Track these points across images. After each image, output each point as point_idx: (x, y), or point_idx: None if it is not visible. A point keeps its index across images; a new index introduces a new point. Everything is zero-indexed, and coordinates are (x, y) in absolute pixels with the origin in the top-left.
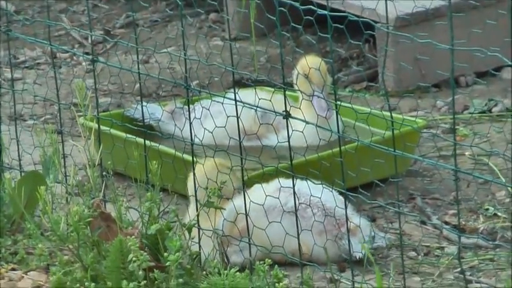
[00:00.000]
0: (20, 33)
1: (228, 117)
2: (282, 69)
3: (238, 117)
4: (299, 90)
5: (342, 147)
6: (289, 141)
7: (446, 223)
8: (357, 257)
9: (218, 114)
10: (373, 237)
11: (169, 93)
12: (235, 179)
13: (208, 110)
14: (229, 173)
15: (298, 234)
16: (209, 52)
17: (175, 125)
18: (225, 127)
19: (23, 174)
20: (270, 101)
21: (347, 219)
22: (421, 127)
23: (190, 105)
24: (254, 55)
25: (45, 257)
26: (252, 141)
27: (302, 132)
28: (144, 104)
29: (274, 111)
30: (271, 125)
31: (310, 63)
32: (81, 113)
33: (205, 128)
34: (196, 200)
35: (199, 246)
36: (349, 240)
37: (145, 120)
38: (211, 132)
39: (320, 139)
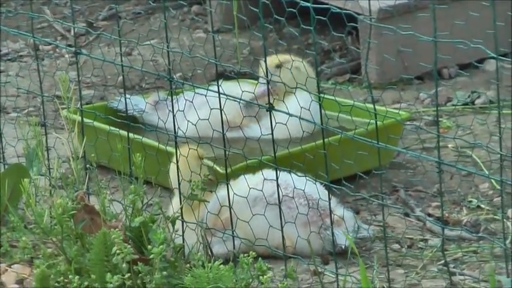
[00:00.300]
0: (2, 26)
1: (211, 109)
2: (264, 61)
3: (221, 110)
4: (282, 82)
5: (326, 140)
6: (272, 134)
7: (430, 215)
8: (342, 248)
9: (201, 106)
10: (357, 229)
11: (153, 86)
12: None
13: (192, 102)
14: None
15: (282, 227)
16: (192, 44)
17: (159, 117)
18: (208, 119)
19: (6, 166)
20: (253, 93)
21: (330, 210)
22: (404, 119)
23: (174, 97)
24: (237, 47)
25: (29, 250)
26: (235, 132)
27: (285, 124)
28: (128, 96)
29: (258, 103)
30: (255, 117)
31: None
32: (64, 106)
33: (188, 120)
34: (179, 192)
35: (183, 238)
36: (332, 232)
37: (128, 112)
38: (195, 125)
39: (303, 131)
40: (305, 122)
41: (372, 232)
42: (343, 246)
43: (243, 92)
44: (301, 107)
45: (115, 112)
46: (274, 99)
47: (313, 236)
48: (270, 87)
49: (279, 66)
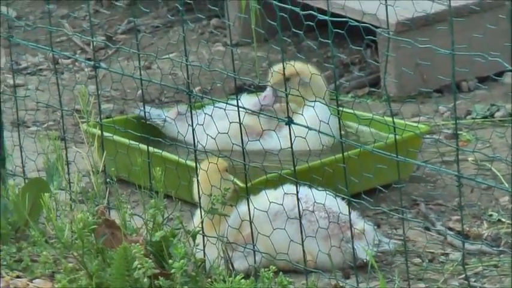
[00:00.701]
0: (21, 39)
1: (230, 122)
2: (283, 74)
3: (240, 124)
4: (300, 95)
5: (345, 153)
6: (292, 148)
7: (450, 229)
8: (363, 261)
9: (221, 119)
10: (378, 242)
11: (172, 99)
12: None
13: (211, 116)
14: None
15: (303, 241)
16: (211, 58)
17: (178, 130)
18: (227, 132)
19: (26, 181)
20: (272, 107)
21: (351, 224)
22: (423, 132)
23: (193, 111)
24: (256, 61)
25: (50, 265)
26: (254, 144)
27: (305, 138)
28: (147, 109)
29: (277, 117)
30: (274, 130)
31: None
32: (84, 119)
33: (208, 134)
34: (200, 206)
35: (204, 253)
36: (353, 245)
37: (151, 120)
38: (214, 138)
39: (323, 145)
40: (324, 135)
41: (392, 245)
42: (364, 260)
43: (262, 105)
44: (320, 120)
45: (135, 126)
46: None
47: (334, 250)
48: (275, 99)
49: (288, 79)
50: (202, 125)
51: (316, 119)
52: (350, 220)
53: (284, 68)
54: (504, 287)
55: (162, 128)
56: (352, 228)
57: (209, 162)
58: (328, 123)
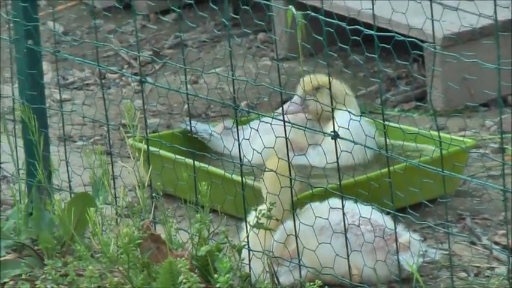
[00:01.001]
0: (68, 54)
1: (276, 137)
2: (329, 89)
3: (286, 138)
4: (346, 109)
5: (391, 168)
6: (338, 163)
7: (496, 243)
8: (409, 272)
9: (267, 133)
10: (424, 252)
11: (218, 114)
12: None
13: (257, 130)
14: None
15: (348, 255)
16: (257, 72)
17: (224, 146)
18: (273, 147)
19: (72, 195)
20: (319, 121)
21: (396, 237)
22: (469, 147)
23: (241, 126)
24: (302, 75)
25: (96, 279)
26: (300, 160)
27: (350, 152)
28: (193, 124)
29: (323, 132)
30: (320, 145)
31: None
32: (129, 134)
33: (254, 149)
34: (245, 220)
35: (250, 267)
36: (398, 258)
37: (198, 134)
38: (260, 153)
39: (368, 159)
40: (369, 150)
41: (439, 255)
42: (409, 272)
43: (308, 119)
44: (366, 135)
45: (181, 140)
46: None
47: (380, 264)
48: (302, 108)
49: (317, 88)
50: (248, 139)
51: (361, 133)
52: (396, 233)
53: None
54: None
55: (208, 143)
56: (398, 241)
57: (278, 159)
58: (374, 138)
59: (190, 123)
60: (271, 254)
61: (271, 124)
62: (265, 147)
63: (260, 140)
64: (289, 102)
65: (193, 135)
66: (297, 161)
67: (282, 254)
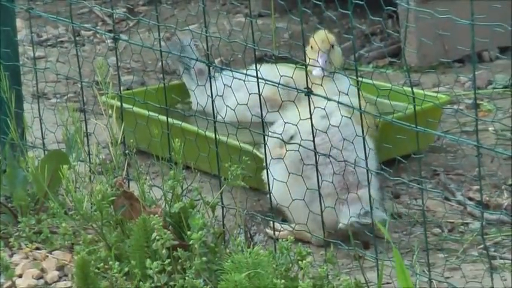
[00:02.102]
0: (42, 11)
1: (250, 94)
2: (303, 45)
3: (260, 94)
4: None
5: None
6: (311, 119)
7: (470, 199)
8: (339, 227)
9: (239, 89)
10: (365, 213)
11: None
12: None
13: (230, 87)
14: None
15: (322, 212)
16: (231, 29)
17: (197, 100)
18: (247, 104)
19: (46, 153)
20: (292, 77)
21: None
22: (443, 103)
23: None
24: (274, 32)
25: (69, 236)
26: (273, 115)
27: (324, 109)
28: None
29: (296, 88)
30: (293, 102)
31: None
32: (103, 91)
33: (227, 106)
34: (219, 178)
35: (223, 224)
36: (372, 210)
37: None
38: (233, 110)
39: (341, 116)
40: (344, 107)
41: (385, 217)
42: (342, 225)
43: (281, 76)
44: (339, 92)
45: (154, 97)
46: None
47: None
48: (325, 65)
49: (332, 45)
50: (222, 96)
51: (335, 90)
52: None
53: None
54: None
55: (182, 74)
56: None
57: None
58: (347, 94)
59: (164, 81)
60: (244, 211)
61: (244, 81)
62: (238, 103)
63: (234, 96)
64: (321, 63)
65: (179, 58)
66: (271, 118)
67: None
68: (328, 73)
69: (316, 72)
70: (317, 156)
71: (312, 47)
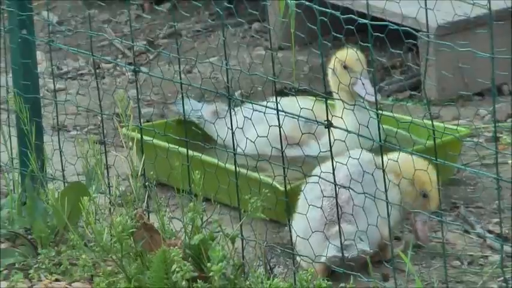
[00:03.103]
0: (62, 44)
1: (270, 126)
2: (323, 78)
3: (280, 127)
4: (340, 99)
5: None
6: (331, 151)
7: (490, 232)
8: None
9: (259, 122)
10: (346, 246)
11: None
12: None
13: (250, 119)
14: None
15: (342, 244)
16: (251, 62)
17: (218, 134)
18: (267, 136)
19: (66, 185)
20: (312, 110)
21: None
22: (463, 136)
23: (232, 111)
24: (294, 64)
25: (89, 268)
26: (294, 150)
27: (344, 141)
28: (186, 102)
29: (316, 121)
30: (313, 134)
31: (347, 53)
32: (123, 124)
33: (247, 138)
34: (239, 210)
35: (243, 256)
36: (393, 247)
37: (189, 115)
38: (254, 142)
39: (361, 148)
40: (363, 139)
41: (360, 253)
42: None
43: (301, 108)
44: (359, 124)
45: (174, 130)
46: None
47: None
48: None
49: (346, 67)
50: (242, 128)
51: (355, 123)
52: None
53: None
54: None
55: (204, 126)
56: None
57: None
58: (367, 127)
59: (184, 113)
60: (264, 243)
61: (264, 113)
62: (258, 136)
63: (254, 129)
64: (365, 82)
65: (186, 117)
66: (291, 153)
67: None
68: (349, 105)
69: (369, 98)
70: (336, 189)
71: (345, 66)
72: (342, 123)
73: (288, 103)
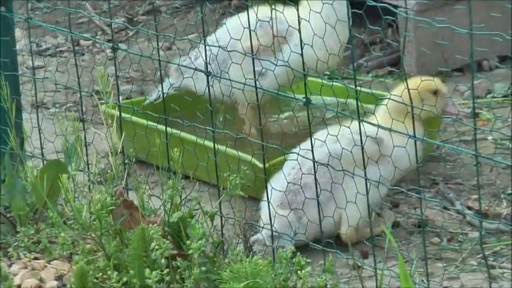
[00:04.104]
0: (41, 21)
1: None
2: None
3: (259, 104)
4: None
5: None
6: (310, 128)
7: (470, 208)
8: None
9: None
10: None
11: None
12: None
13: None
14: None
15: (321, 221)
16: (231, 38)
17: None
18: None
19: (45, 162)
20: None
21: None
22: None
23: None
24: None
25: (68, 246)
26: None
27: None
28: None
29: (294, 97)
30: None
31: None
32: (103, 101)
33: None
34: (218, 188)
35: (222, 233)
36: (370, 220)
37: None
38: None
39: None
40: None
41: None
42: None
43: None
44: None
45: (153, 107)
46: None
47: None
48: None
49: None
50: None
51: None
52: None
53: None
54: None
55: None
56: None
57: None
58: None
59: (163, 90)
60: (243, 221)
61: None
62: (232, 62)
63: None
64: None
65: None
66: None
67: None
68: None
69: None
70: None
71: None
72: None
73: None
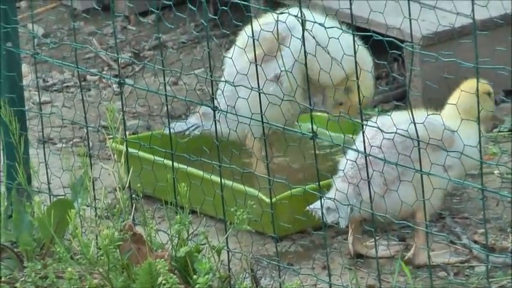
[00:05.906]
0: (47, 56)
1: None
2: (308, 90)
3: (265, 139)
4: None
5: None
6: (316, 163)
7: (476, 242)
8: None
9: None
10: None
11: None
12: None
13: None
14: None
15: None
16: (237, 73)
17: (202, 125)
18: (247, 99)
19: (52, 198)
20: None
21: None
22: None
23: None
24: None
25: (75, 281)
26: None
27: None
28: (172, 125)
29: (301, 132)
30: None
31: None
32: (110, 136)
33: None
34: (225, 223)
35: (229, 268)
36: (373, 216)
37: (186, 132)
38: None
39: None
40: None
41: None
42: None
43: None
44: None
45: (160, 142)
46: None
47: None
48: None
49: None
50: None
51: None
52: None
53: None
54: None
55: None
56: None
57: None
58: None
59: (169, 125)
60: (250, 255)
61: (249, 125)
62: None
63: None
64: None
65: (185, 136)
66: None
67: None
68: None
69: None
70: None
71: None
72: None
73: None
